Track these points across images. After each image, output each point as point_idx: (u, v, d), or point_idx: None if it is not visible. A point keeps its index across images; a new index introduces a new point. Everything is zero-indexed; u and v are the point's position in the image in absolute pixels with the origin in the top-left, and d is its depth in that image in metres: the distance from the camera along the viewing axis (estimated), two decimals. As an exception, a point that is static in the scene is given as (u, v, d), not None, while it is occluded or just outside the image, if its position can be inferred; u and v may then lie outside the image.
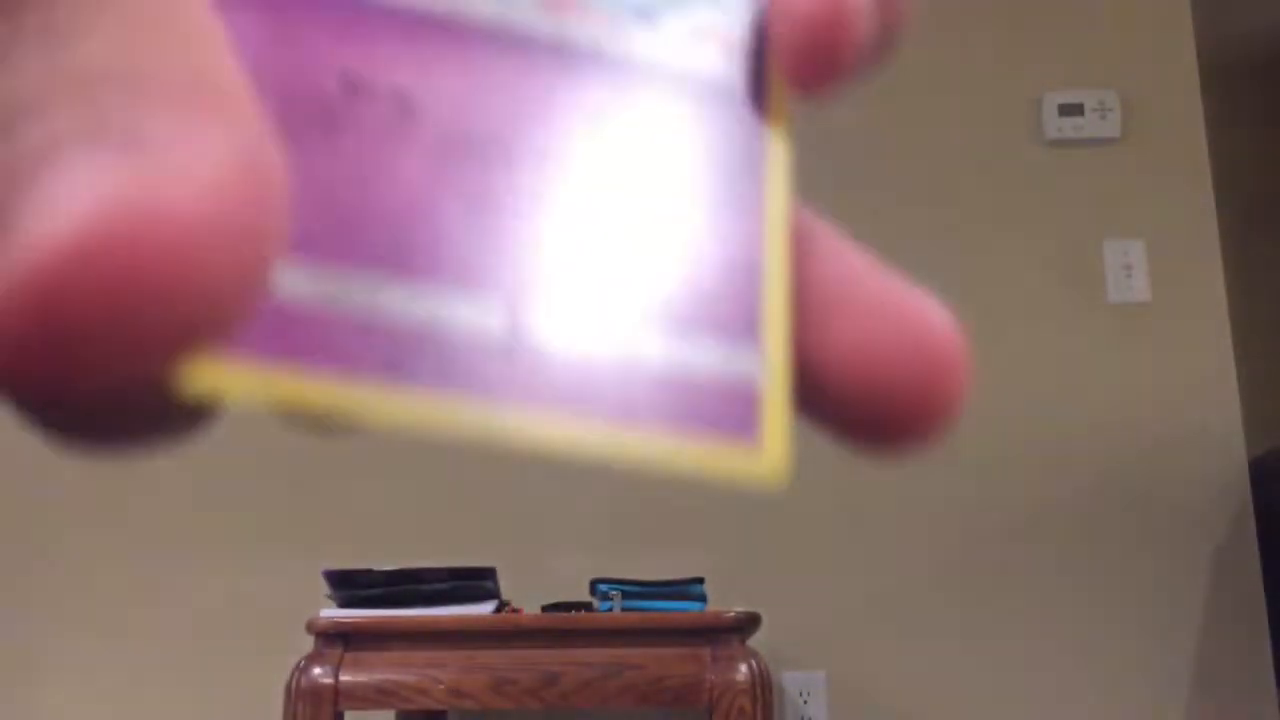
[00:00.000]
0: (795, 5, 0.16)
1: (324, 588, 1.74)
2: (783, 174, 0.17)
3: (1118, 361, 2.14)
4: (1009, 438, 2.12)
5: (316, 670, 1.53)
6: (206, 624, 2.09)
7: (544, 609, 1.74)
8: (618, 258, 0.15)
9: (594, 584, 1.73)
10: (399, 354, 0.13)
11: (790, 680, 2.04)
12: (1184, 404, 2.12)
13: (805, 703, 2.03)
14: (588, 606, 1.72)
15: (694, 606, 1.68)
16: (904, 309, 0.16)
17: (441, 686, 1.54)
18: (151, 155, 0.11)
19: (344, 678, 1.53)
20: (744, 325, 0.16)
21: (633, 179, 0.16)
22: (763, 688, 1.52)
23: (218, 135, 0.11)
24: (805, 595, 2.07)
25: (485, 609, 1.63)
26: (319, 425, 0.14)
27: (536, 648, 1.55)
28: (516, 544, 2.08)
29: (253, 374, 0.12)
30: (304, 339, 0.13)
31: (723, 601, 2.00)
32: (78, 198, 0.10)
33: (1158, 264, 2.18)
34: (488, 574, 1.69)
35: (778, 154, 0.17)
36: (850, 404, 0.16)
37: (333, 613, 1.62)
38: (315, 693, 1.52)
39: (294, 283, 0.13)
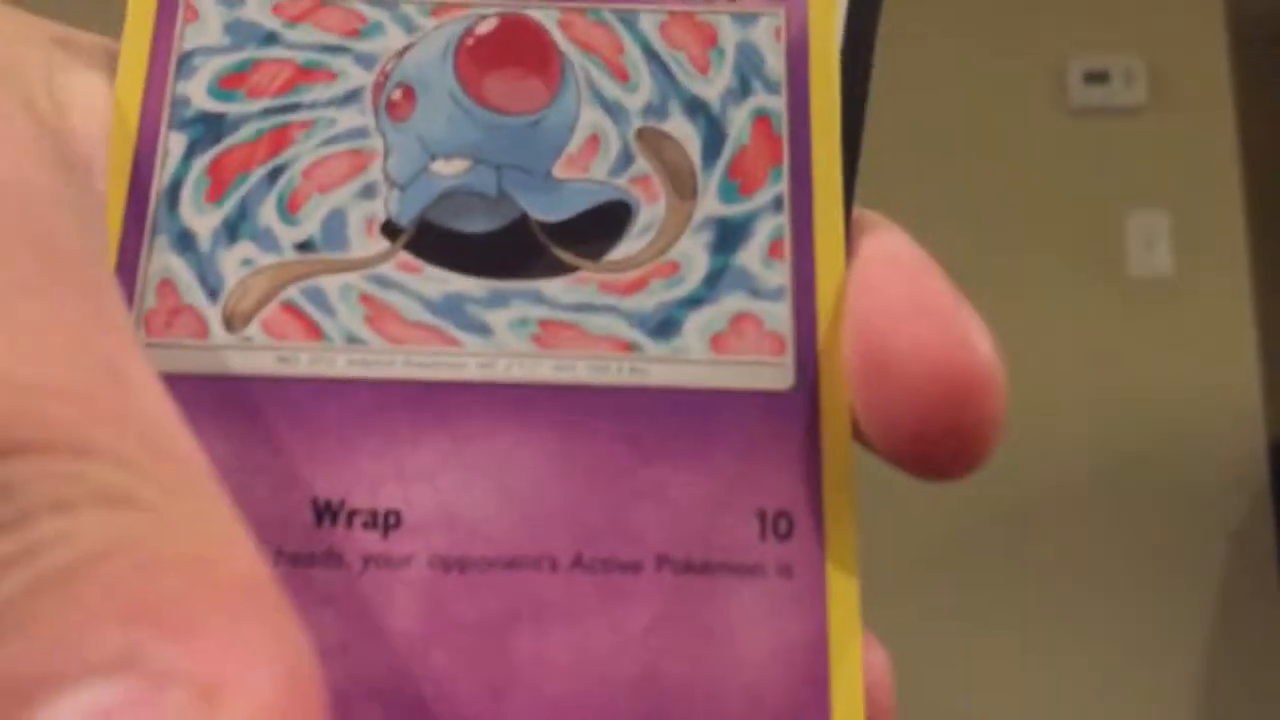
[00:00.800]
0: (905, 359, 0.13)
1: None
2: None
3: (1137, 337, 2.12)
4: (1023, 414, 2.08)
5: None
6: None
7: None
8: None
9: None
10: None
11: (793, 656, 2.03)
12: (1204, 381, 2.10)
13: (808, 679, 2.02)
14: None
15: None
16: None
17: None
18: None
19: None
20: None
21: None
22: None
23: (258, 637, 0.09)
24: (810, 570, 2.05)
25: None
26: None
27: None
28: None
29: None
30: None
31: (726, 575, 1.98)
32: None
33: (1181, 237, 2.15)
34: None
35: None
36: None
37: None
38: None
39: None
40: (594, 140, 0.15)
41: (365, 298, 0.14)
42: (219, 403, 0.13)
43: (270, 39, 0.16)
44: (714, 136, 0.16)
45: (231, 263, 0.14)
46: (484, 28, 0.16)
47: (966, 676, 2.02)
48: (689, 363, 0.14)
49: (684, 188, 0.15)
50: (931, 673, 2.03)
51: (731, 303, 0.15)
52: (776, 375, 0.15)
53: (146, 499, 0.09)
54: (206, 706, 0.09)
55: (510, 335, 0.14)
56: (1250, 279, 2.14)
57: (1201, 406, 2.09)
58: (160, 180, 0.15)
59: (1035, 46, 2.24)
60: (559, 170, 0.15)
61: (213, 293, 0.14)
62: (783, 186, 0.16)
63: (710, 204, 0.15)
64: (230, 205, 0.14)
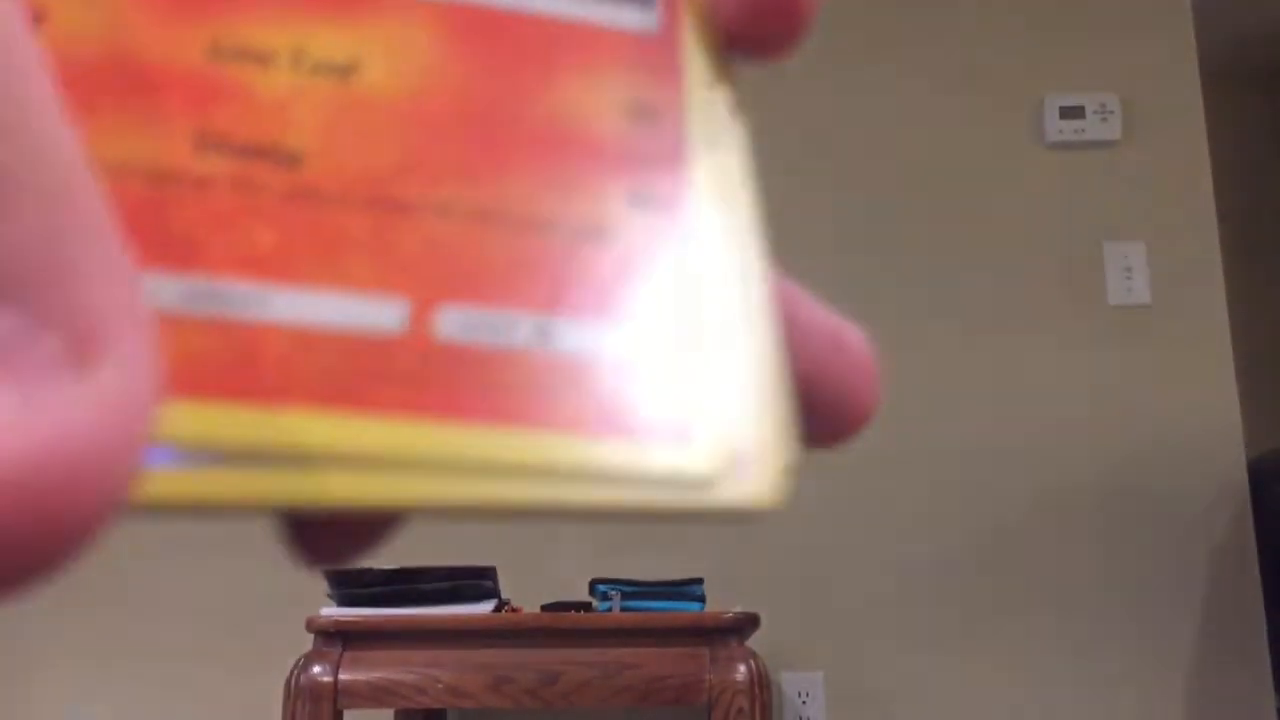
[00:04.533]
0: None
1: (324, 586, 1.75)
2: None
3: (1118, 363, 2.14)
4: (1009, 439, 2.12)
5: (316, 669, 1.54)
6: (206, 622, 2.09)
7: (543, 609, 1.74)
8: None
9: (593, 584, 1.74)
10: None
11: (789, 680, 2.04)
12: (1184, 406, 2.11)
13: (804, 703, 2.03)
14: (587, 606, 1.72)
15: (693, 607, 1.68)
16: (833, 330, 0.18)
17: (440, 685, 1.54)
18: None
19: (343, 676, 1.53)
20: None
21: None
22: (761, 688, 1.52)
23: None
24: (804, 596, 2.07)
25: (485, 608, 1.63)
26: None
27: (535, 647, 1.55)
28: (516, 544, 2.09)
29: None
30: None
31: (721, 602, 2.00)
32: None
33: (1158, 266, 2.18)
34: (488, 573, 1.69)
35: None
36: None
37: (332, 611, 1.62)
38: (314, 691, 1.52)
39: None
40: None
41: None
42: None
43: None
44: None
45: None
46: None
47: (952, 690, 2.03)
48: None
49: None
50: (918, 685, 2.04)
51: None
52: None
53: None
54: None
55: None
56: (1227, 305, 2.16)
57: (1182, 429, 2.10)
58: None
59: (1012, 82, 2.27)
60: None
61: None
62: None
63: None
64: None
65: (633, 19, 0.16)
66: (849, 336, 0.17)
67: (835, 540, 2.09)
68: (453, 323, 0.14)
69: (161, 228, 0.13)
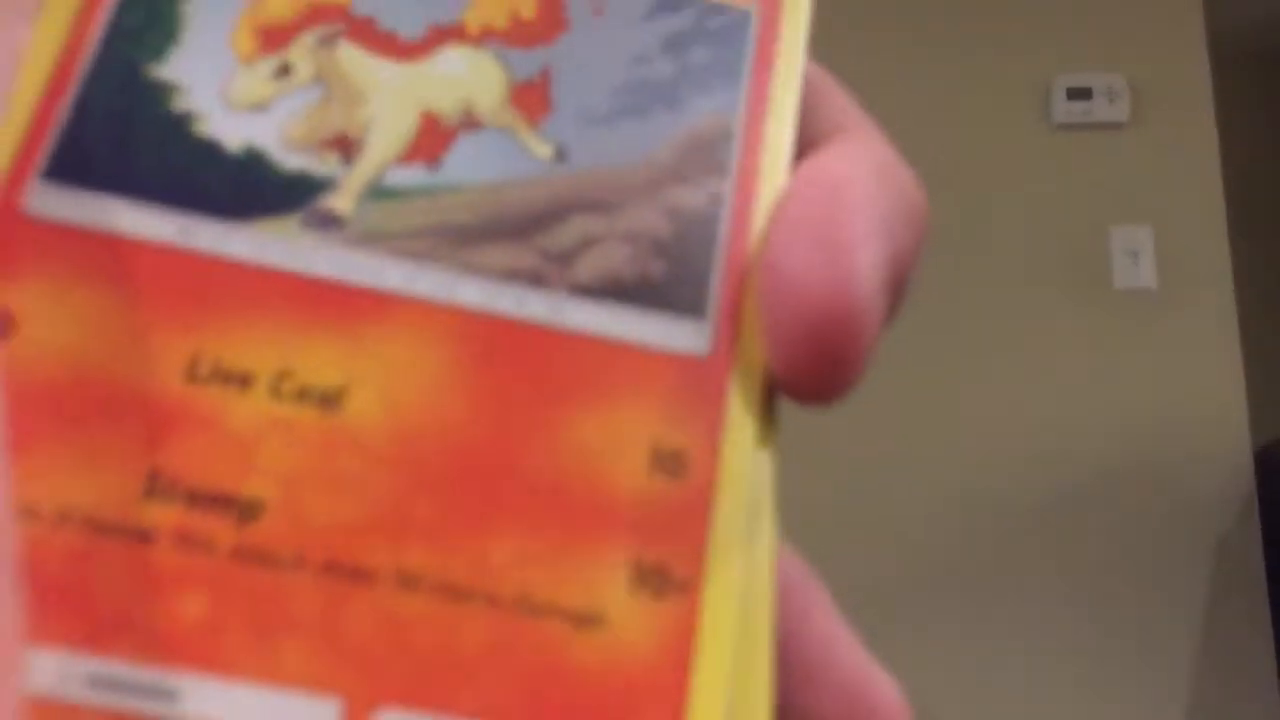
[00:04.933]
0: (798, 285, 0.13)
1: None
2: None
3: (1123, 348, 2.12)
4: (1011, 426, 2.10)
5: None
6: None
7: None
8: None
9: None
10: None
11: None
12: (1189, 392, 2.10)
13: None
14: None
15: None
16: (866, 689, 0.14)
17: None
18: None
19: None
20: None
21: None
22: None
23: None
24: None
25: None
26: None
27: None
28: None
29: None
30: None
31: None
32: None
33: (1165, 251, 2.16)
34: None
35: None
36: None
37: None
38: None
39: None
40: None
41: None
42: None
43: None
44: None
45: None
46: None
47: (951, 685, 2.02)
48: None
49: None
50: (918, 680, 2.03)
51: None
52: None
53: None
54: None
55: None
56: (1234, 290, 2.15)
57: (1188, 416, 2.09)
58: None
59: (1019, 63, 2.25)
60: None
61: None
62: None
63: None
64: None
65: (679, 339, 0.14)
66: (878, 697, 0.14)
67: (834, 535, 2.07)
68: None
69: (83, 593, 0.11)
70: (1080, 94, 2.20)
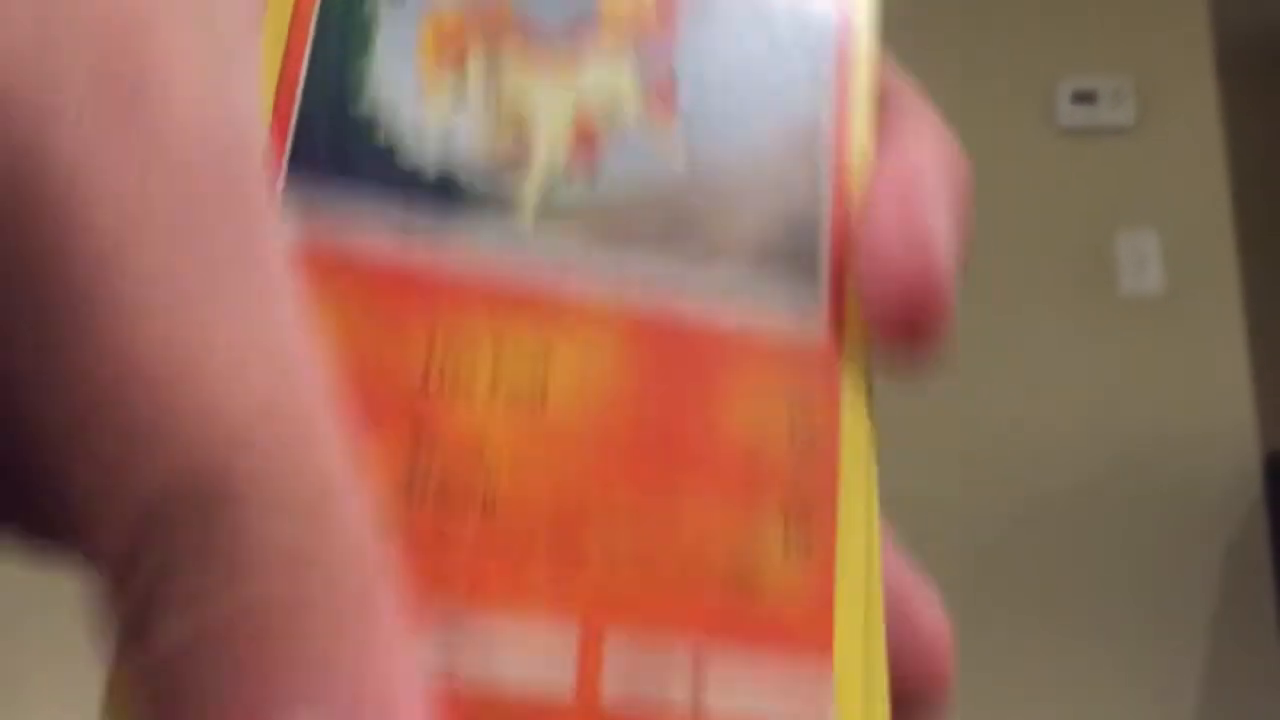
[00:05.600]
0: (887, 263, 0.15)
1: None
2: None
3: (1129, 354, 2.12)
4: (1018, 431, 2.09)
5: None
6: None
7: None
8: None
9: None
10: None
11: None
12: (1197, 398, 2.10)
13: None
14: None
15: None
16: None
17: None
18: None
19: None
20: None
21: None
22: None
23: None
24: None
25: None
26: None
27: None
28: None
29: None
30: None
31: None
32: None
33: (1172, 255, 2.15)
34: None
35: None
36: None
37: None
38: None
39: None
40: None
41: None
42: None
43: None
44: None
45: None
46: None
47: (957, 686, 2.02)
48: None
49: None
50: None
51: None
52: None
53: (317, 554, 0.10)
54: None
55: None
56: (1240, 295, 2.14)
57: (1195, 421, 2.08)
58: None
59: (1024, 66, 2.24)
60: None
61: None
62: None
63: None
64: None
65: (800, 322, 0.16)
66: (924, 617, 0.16)
67: (840, 533, 2.07)
68: (617, 667, 0.14)
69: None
70: (1085, 97, 2.20)
